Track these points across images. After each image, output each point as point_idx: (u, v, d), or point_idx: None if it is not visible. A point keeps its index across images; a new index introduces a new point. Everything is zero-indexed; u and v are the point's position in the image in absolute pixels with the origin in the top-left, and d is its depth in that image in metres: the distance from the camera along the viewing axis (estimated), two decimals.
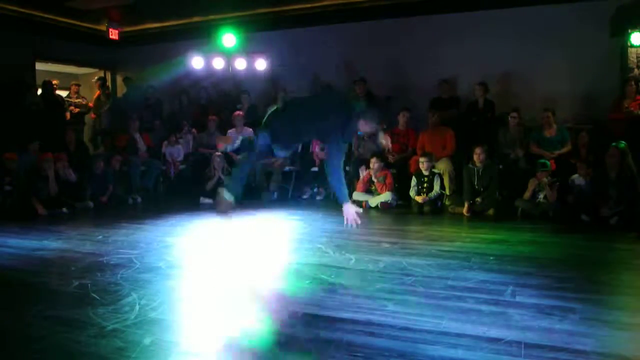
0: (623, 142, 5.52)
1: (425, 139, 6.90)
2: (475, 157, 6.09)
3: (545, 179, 5.76)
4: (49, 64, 9.81)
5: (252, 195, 7.53)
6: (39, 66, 9.36)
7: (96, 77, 9.65)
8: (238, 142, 5.75)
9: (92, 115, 9.47)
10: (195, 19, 8.91)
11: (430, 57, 7.75)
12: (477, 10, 7.56)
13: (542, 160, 5.90)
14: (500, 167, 6.55)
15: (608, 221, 5.20)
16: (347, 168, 7.35)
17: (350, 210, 3.54)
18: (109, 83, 10.16)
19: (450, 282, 3.19)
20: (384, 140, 4.21)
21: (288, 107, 3.93)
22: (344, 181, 3.64)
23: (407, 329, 2.42)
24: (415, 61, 7.91)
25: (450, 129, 6.94)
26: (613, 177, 5.38)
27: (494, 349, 2.18)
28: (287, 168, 7.68)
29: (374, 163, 6.52)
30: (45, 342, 2.31)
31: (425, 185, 6.30)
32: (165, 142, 8.20)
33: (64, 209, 6.30)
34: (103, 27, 9.23)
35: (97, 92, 9.43)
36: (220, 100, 9.00)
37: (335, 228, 5.26)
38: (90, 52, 9.71)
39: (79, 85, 9.83)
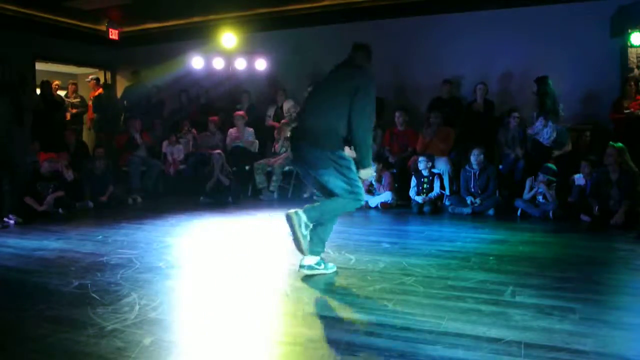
0: (619, 143, 5.52)
1: (425, 138, 6.90)
2: (472, 159, 6.11)
3: (545, 181, 5.76)
4: (49, 64, 9.81)
5: (252, 195, 7.56)
6: (39, 66, 9.36)
7: (90, 77, 9.65)
8: None
9: (90, 114, 9.46)
10: (195, 19, 8.91)
11: (431, 57, 7.76)
12: (477, 10, 7.57)
13: (549, 165, 5.89)
14: (500, 167, 6.56)
15: (608, 221, 5.20)
16: None
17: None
18: (108, 83, 10.17)
19: (450, 282, 3.19)
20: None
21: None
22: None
23: (407, 329, 2.42)
24: (416, 61, 7.92)
25: (451, 128, 6.95)
26: (614, 177, 5.38)
27: (494, 349, 2.18)
28: (287, 168, 7.68)
29: (373, 165, 6.53)
30: (45, 342, 2.31)
31: (425, 185, 6.31)
32: (166, 142, 8.21)
33: (60, 210, 6.28)
34: (103, 27, 9.23)
35: (98, 90, 9.42)
36: (219, 100, 9.01)
37: (335, 228, 5.25)
38: (90, 52, 9.71)
39: (75, 84, 9.83)
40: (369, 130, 3.35)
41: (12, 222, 5.59)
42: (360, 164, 3.40)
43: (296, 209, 3.30)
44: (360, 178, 3.41)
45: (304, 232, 3.29)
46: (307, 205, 3.37)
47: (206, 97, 9.03)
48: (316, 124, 3.32)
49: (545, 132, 6.21)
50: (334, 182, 3.30)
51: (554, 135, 6.18)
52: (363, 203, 3.51)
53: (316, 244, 3.40)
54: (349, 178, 3.31)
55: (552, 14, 7.13)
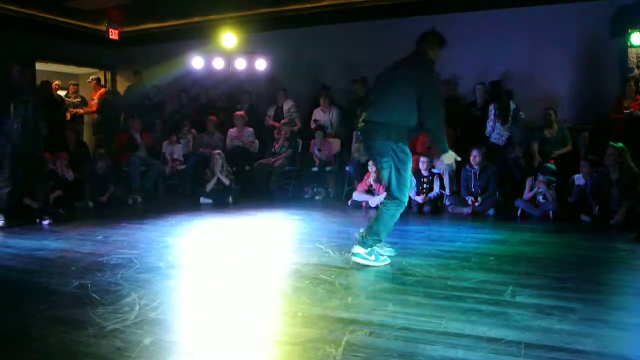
0: (619, 143, 5.52)
1: (425, 138, 6.89)
2: (471, 159, 6.11)
3: (545, 181, 5.76)
4: (49, 64, 9.81)
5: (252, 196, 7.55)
6: (39, 66, 9.36)
7: (91, 77, 9.64)
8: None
9: (93, 114, 9.46)
10: (195, 19, 8.91)
11: None
12: (477, 10, 7.56)
13: (548, 165, 5.88)
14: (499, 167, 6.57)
15: (608, 221, 5.20)
16: (347, 168, 7.37)
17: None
18: (108, 83, 10.17)
19: (450, 282, 3.19)
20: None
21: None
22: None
23: (407, 329, 2.42)
24: None
25: (450, 128, 6.93)
26: (614, 177, 5.38)
27: (494, 349, 2.18)
28: (287, 168, 7.68)
29: (372, 165, 6.52)
30: (45, 342, 2.31)
31: (425, 185, 6.31)
32: (166, 142, 8.21)
33: (60, 210, 6.26)
34: (103, 27, 9.22)
35: (102, 90, 9.41)
36: (219, 100, 9.00)
37: (335, 228, 5.26)
38: (90, 52, 9.72)
39: (77, 85, 9.83)
40: (440, 116, 3.51)
41: (46, 222, 5.54)
42: (439, 150, 3.60)
43: (353, 249, 3.59)
44: (443, 162, 3.68)
45: (371, 259, 3.56)
46: (356, 236, 3.60)
47: (206, 97, 9.03)
48: (387, 119, 3.48)
49: (495, 133, 6.64)
50: (388, 173, 3.49)
51: (506, 135, 6.63)
52: (405, 204, 3.63)
53: (370, 236, 3.57)
54: (400, 175, 3.50)
55: (552, 14, 7.13)
